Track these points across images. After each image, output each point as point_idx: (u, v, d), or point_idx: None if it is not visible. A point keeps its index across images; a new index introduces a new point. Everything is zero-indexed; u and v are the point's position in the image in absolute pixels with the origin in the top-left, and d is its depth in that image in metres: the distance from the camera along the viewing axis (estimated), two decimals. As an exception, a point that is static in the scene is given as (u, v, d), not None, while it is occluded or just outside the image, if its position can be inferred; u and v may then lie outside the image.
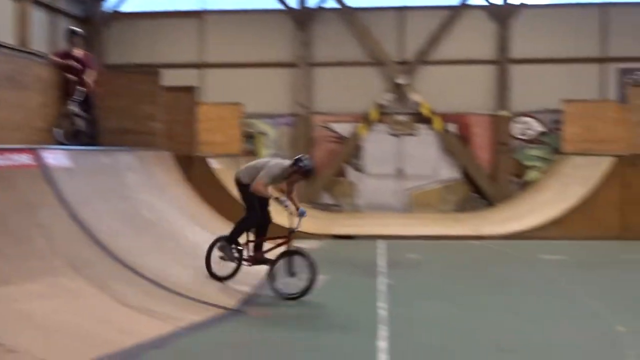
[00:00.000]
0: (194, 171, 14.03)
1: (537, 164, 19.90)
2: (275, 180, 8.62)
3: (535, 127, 20.17)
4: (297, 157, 8.72)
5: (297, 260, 8.42)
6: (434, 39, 20.27)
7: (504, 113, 20.08)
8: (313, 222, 16.00)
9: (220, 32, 20.75)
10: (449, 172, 20.06)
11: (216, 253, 8.90)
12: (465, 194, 19.99)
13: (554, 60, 19.94)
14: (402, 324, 7.47)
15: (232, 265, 8.86)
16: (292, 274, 8.39)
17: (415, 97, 20.11)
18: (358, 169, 20.34)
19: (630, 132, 14.10)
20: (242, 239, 8.82)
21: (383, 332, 7.08)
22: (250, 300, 8.40)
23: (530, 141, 20.12)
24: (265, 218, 8.84)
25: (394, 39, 20.32)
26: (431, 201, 19.97)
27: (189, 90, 15.03)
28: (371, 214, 19.17)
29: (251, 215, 8.65)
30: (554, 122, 19.46)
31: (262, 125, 20.64)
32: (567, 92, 18.57)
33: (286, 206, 8.36)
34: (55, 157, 8.50)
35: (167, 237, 9.86)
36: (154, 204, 10.51)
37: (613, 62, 19.83)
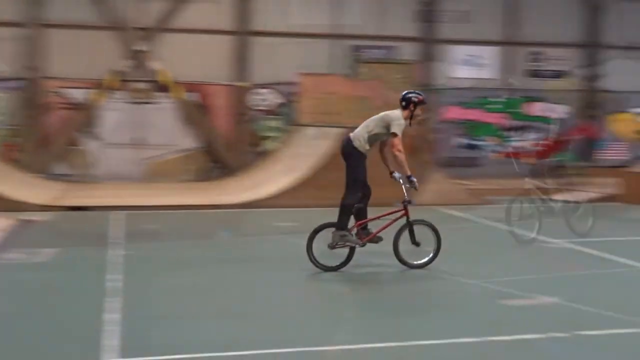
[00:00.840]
0: None
1: (275, 134, 20.65)
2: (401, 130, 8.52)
3: (272, 98, 21.00)
4: (404, 93, 8.72)
5: (420, 229, 8.71)
6: (175, 6, 20.25)
7: (243, 84, 20.53)
8: (44, 193, 15.84)
9: None
10: (188, 141, 20.27)
11: (318, 244, 8.74)
12: (204, 163, 20.30)
13: (292, 34, 20.83)
14: (136, 295, 7.59)
15: (343, 251, 8.74)
16: (417, 243, 8.68)
17: (154, 64, 20.02)
18: (95, 137, 20.01)
19: (357, 105, 15.20)
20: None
21: (116, 304, 7.16)
22: None
23: (268, 112, 20.82)
24: (368, 186, 8.73)
25: (133, 3, 20.00)
26: (171, 171, 20.05)
27: None
28: (109, 184, 18.94)
29: (355, 190, 8.52)
30: (290, 95, 20.41)
31: None
32: (304, 66, 19.62)
33: (403, 182, 8.49)
34: None
35: None
36: None
37: (346, 39, 21.16)
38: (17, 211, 13.34)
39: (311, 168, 15.42)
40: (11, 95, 19.69)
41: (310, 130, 17.51)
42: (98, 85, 19.79)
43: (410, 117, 8.68)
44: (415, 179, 8.51)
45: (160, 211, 14.30)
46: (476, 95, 22.25)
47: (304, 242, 8.83)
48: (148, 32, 20.10)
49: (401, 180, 8.51)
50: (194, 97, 20.35)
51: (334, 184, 14.30)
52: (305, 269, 8.77)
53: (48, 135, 19.55)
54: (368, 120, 8.80)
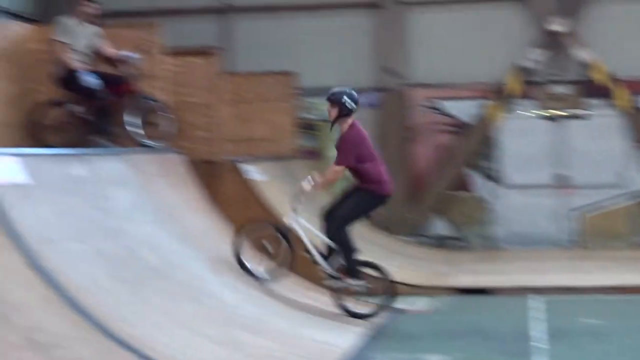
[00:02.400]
0: (221, 184, 14.30)
1: None
2: None
3: None
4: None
5: None
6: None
7: None
8: (419, 266, 16.44)
9: None
10: (643, 181, 20.28)
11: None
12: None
13: None
14: None
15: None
16: None
17: (582, 53, 19.80)
18: (491, 176, 20.34)
19: None
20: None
21: None
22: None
23: None
24: None
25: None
26: (616, 229, 19.83)
27: (208, 52, 15.19)
28: (517, 251, 19.17)
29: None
30: None
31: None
32: None
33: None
34: (1, 168, 8.68)
35: (182, 294, 10.02)
36: (158, 240, 10.82)
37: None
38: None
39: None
40: (361, 115, 20.00)
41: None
42: (491, 93, 20.16)
43: None
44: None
45: (603, 296, 14.11)
46: None
47: None
48: (571, 3, 19.95)
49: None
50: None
51: None
52: None
53: (419, 176, 20.10)
54: None
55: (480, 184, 20.19)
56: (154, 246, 10.53)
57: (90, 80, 11.66)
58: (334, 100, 10.78)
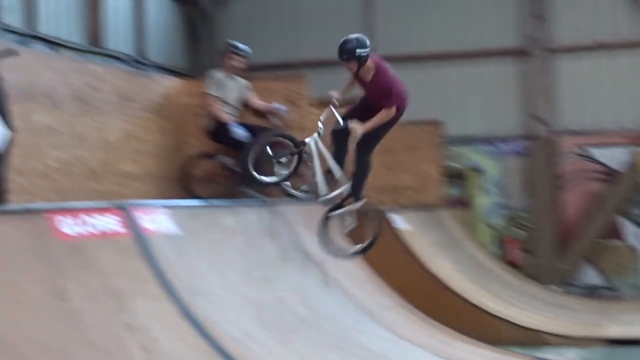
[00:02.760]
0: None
1: None
2: None
3: None
4: None
5: None
6: None
7: None
8: (569, 316, 16.22)
9: (396, 9, 21.29)
10: None
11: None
12: None
13: None
14: None
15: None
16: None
17: None
18: None
19: None
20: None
21: None
22: None
23: None
24: None
25: None
26: None
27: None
28: None
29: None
30: None
31: (475, 157, 20.70)
32: None
33: None
34: (154, 219, 8.99)
35: (330, 344, 10.03)
36: (306, 290, 10.94)
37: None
38: (532, 346, 13.53)
39: None
40: (510, 164, 20.42)
41: None
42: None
43: None
44: None
45: None
46: None
47: None
48: None
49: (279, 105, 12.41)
50: None
51: None
52: None
53: (568, 224, 19.92)
54: None
55: (631, 232, 19.81)
56: (303, 296, 10.59)
57: (240, 133, 11.88)
58: (349, 57, 10.17)
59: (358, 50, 10.02)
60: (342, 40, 10.04)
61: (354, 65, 10.01)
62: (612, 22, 20.31)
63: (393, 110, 10.19)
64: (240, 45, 12.44)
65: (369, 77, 10.22)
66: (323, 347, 9.82)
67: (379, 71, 10.29)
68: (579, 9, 20.28)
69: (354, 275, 12.86)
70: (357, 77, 10.22)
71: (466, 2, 21.07)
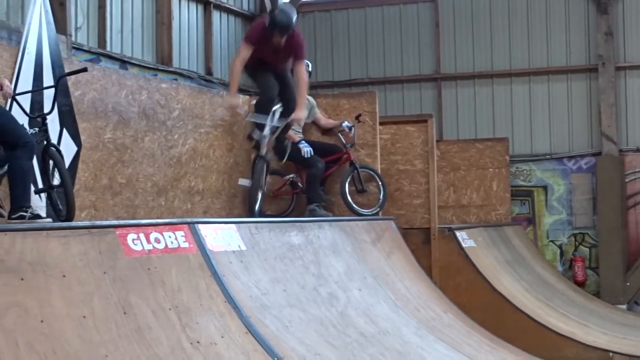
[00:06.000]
0: (433, 251, 14.34)
1: None
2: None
3: None
4: None
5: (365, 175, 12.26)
6: None
7: None
8: (638, 336, 15.93)
9: (463, 29, 21.38)
10: None
11: None
12: None
13: None
14: None
15: None
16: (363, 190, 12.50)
17: None
18: None
19: None
20: None
21: None
22: None
23: None
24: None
25: None
26: None
27: (422, 120, 15.04)
28: None
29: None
30: None
31: (542, 174, 20.48)
32: None
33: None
34: (220, 235, 8.95)
35: None
36: (371, 307, 10.80)
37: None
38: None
39: None
40: (575, 181, 20.41)
41: None
42: None
43: None
44: None
45: None
46: None
47: None
48: None
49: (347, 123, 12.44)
50: None
51: None
52: None
53: (637, 243, 19.80)
54: None
55: None
56: (368, 313, 10.51)
57: (308, 150, 11.80)
58: (285, 32, 10.58)
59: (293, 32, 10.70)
60: (284, 11, 10.59)
61: (282, 39, 10.50)
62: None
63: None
64: (306, 62, 12.26)
65: (283, 40, 10.55)
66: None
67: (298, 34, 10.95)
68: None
69: (418, 292, 12.82)
70: (271, 49, 10.56)
71: (534, 21, 20.90)
